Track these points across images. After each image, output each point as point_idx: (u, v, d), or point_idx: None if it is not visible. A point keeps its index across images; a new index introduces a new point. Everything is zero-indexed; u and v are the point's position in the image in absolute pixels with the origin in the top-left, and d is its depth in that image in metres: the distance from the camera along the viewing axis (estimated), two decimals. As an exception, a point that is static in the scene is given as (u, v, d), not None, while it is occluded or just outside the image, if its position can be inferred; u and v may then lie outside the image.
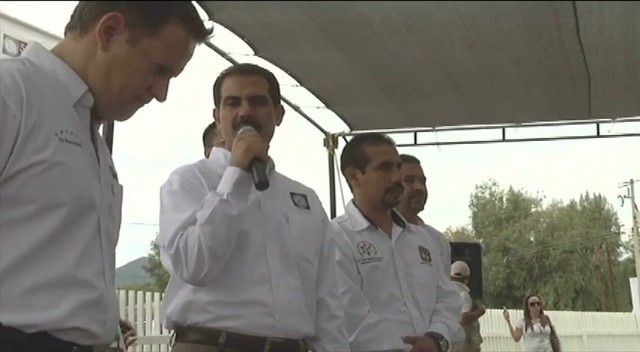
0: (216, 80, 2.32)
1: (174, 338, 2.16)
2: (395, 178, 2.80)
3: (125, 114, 1.56)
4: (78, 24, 1.49)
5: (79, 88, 1.45)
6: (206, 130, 3.11)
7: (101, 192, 1.45)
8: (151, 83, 1.51)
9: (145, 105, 1.56)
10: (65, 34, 1.52)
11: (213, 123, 3.01)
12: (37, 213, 1.32)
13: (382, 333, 2.60)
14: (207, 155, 2.99)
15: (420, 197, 3.52)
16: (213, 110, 2.34)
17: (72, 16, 1.51)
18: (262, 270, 2.12)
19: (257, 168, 2.05)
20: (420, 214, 3.67)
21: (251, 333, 2.06)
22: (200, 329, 2.07)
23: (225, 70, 2.39)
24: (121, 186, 1.59)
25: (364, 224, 2.80)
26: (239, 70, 2.38)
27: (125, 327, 2.60)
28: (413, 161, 3.50)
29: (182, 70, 1.57)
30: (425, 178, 3.61)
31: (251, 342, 2.06)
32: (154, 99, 1.55)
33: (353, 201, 2.91)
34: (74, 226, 1.37)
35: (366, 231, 2.79)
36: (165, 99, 1.54)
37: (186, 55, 1.56)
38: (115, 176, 1.57)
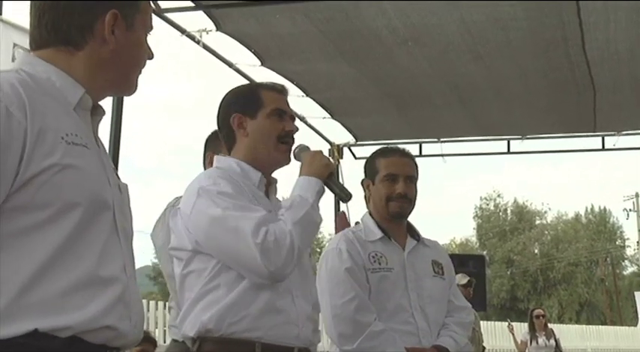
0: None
1: (197, 345, 2.08)
2: (400, 190, 2.80)
3: (136, 86, 1.64)
4: (66, 38, 1.50)
5: (77, 90, 1.47)
6: (210, 137, 3.12)
7: (112, 192, 1.48)
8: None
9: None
10: (38, 48, 1.51)
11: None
12: (55, 216, 1.34)
13: (386, 341, 2.60)
14: (206, 161, 3.02)
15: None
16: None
17: (50, 31, 1.50)
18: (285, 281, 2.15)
19: (335, 181, 2.23)
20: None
21: (282, 343, 2.08)
22: (235, 340, 2.04)
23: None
24: (126, 185, 1.63)
25: (378, 234, 2.81)
26: None
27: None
28: None
29: None
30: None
31: None
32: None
33: (369, 211, 2.92)
34: (91, 226, 1.39)
35: (379, 241, 2.80)
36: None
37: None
38: (117, 175, 1.60)
